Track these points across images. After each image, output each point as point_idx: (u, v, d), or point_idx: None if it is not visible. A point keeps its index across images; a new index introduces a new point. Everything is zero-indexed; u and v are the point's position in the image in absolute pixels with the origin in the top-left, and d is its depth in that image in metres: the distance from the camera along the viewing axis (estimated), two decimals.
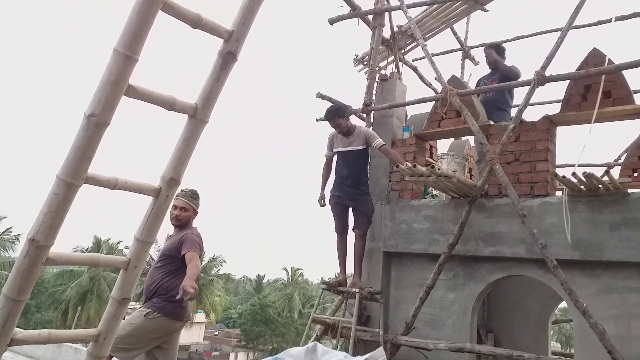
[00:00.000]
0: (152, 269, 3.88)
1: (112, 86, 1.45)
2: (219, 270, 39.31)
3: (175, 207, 3.87)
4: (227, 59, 1.63)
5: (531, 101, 4.60)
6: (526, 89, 4.57)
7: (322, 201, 5.30)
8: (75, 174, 1.50)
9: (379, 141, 5.10)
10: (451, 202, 5.01)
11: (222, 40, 1.61)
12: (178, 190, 2.17)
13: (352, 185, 5.16)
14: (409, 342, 4.64)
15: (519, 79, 5.34)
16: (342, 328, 4.97)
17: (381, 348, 3.50)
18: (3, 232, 27.35)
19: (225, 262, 39.44)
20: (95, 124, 1.45)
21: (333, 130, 5.29)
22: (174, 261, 3.73)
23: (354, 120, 5.49)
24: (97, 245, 34.12)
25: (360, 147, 5.18)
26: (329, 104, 5.68)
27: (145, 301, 3.75)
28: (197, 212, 4.00)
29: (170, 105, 1.60)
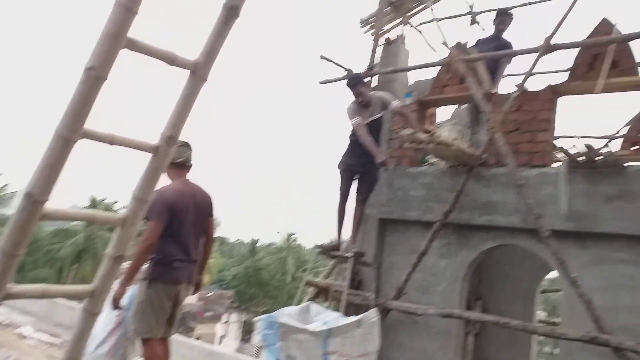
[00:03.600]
0: None
1: (111, 39, 1.41)
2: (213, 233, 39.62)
3: None
4: (230, 14, 1.59)
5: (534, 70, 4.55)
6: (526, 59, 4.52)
7: (386, 160, 5.05)
8: (72, 129, 1.47)
9: (397, 102, 5.09)
10: (448, 170, 5.00)
11: None
12: None
13: (366, 152, 5.04)
14: (399, 307, 4.72)
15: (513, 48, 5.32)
16: (334, 291, 5.03)
17: (374, 309, 3.55)
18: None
19: (219, 225, 39.78)
20: (94, 78, 1.42)
21: (350, 103, 5.14)
22: None
23: None
24: (93, 205, 34.21)
25: (380, 114, 5.14)
26: (333, 66, 5.59)
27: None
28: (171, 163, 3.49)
29: (170, 59, 1.57)
